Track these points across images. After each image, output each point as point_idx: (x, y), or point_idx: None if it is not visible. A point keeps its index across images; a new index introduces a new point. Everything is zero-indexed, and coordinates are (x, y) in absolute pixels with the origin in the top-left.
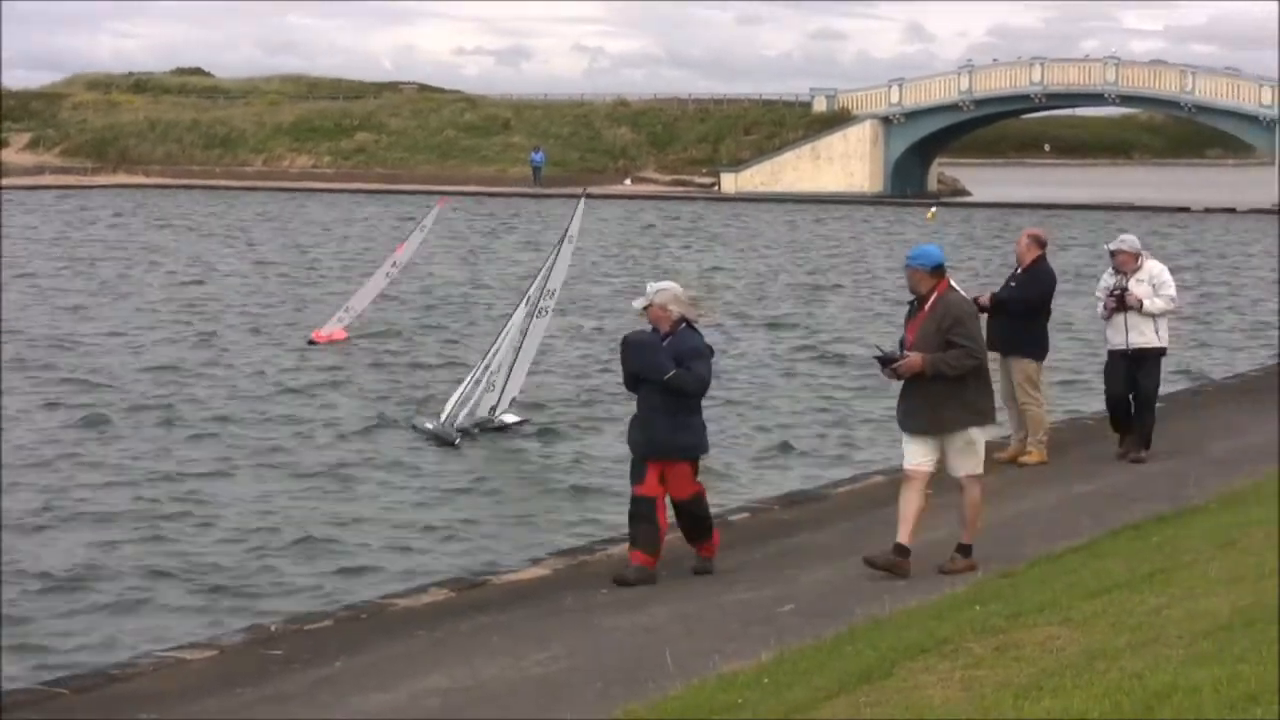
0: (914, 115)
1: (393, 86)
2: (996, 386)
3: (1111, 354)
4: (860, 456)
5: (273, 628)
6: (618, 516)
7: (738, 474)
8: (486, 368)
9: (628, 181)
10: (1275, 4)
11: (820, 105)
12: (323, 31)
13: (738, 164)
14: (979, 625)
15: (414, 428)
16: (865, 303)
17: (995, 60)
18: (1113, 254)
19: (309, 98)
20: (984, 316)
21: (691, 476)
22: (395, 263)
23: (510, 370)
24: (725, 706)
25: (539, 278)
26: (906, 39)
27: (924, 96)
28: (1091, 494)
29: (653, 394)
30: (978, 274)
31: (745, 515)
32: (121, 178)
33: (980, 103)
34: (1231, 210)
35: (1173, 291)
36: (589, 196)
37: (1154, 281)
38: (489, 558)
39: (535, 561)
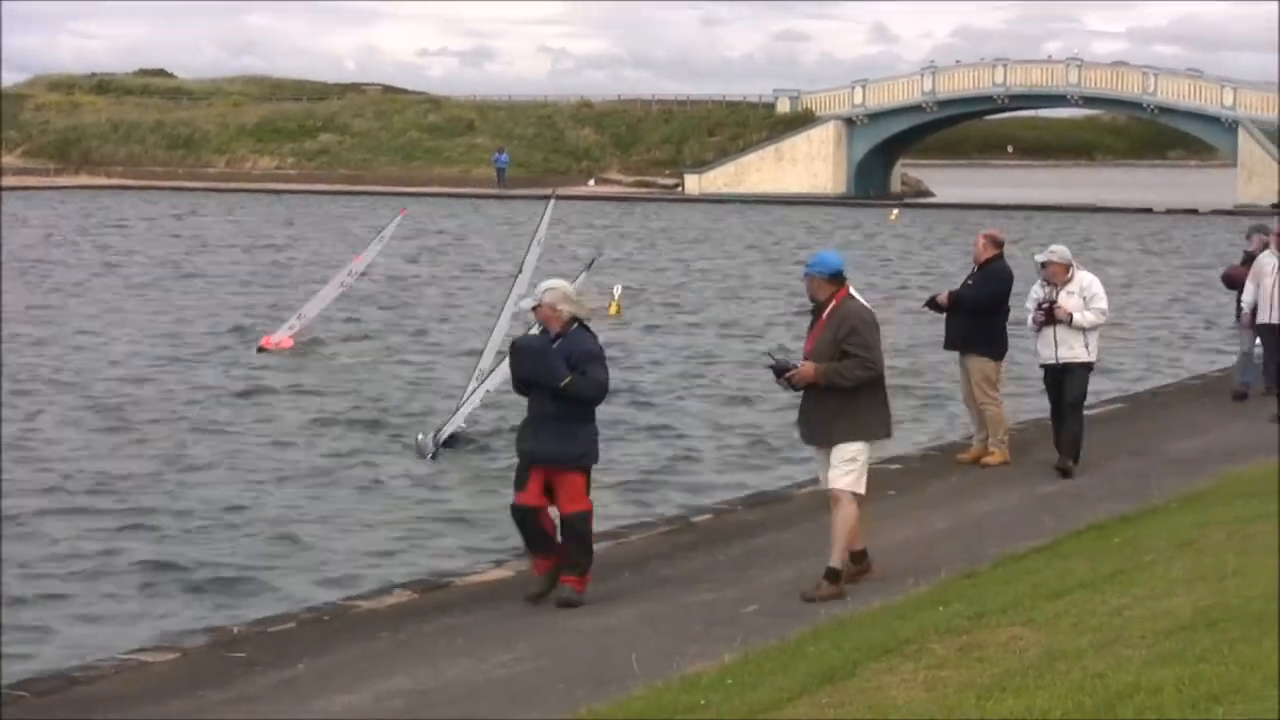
0: (877, 116)
1: (356, 87)
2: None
3: (1044, 368)
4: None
5: (235, 630)
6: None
7: (701, 474)
8: (479, 378)
9: (591, 183)
10: (1241, 5)
11: (784, 106)
12: (286, 32)
13: (701, 165)
14: (942, 626)
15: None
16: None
17: (958, 61)
18: (1043, 265)
19: (272, 99)
20: (943, 316)
21: (583, 490)
22: (351, 271)
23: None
24: (688, 707)
25: (514, 283)
26: (870, 40)
27: (887, 98)
28: (1054, 494)
29: (544, 400)
30: (944, 274)
31: (708, 516)
32: (84, 179)
33: (943, 104)
34: (1194, 211)
35: (1104, 304)
36: (557, 198)
37: (1085, 294)
38: (452, 559)
39: (499, 563)
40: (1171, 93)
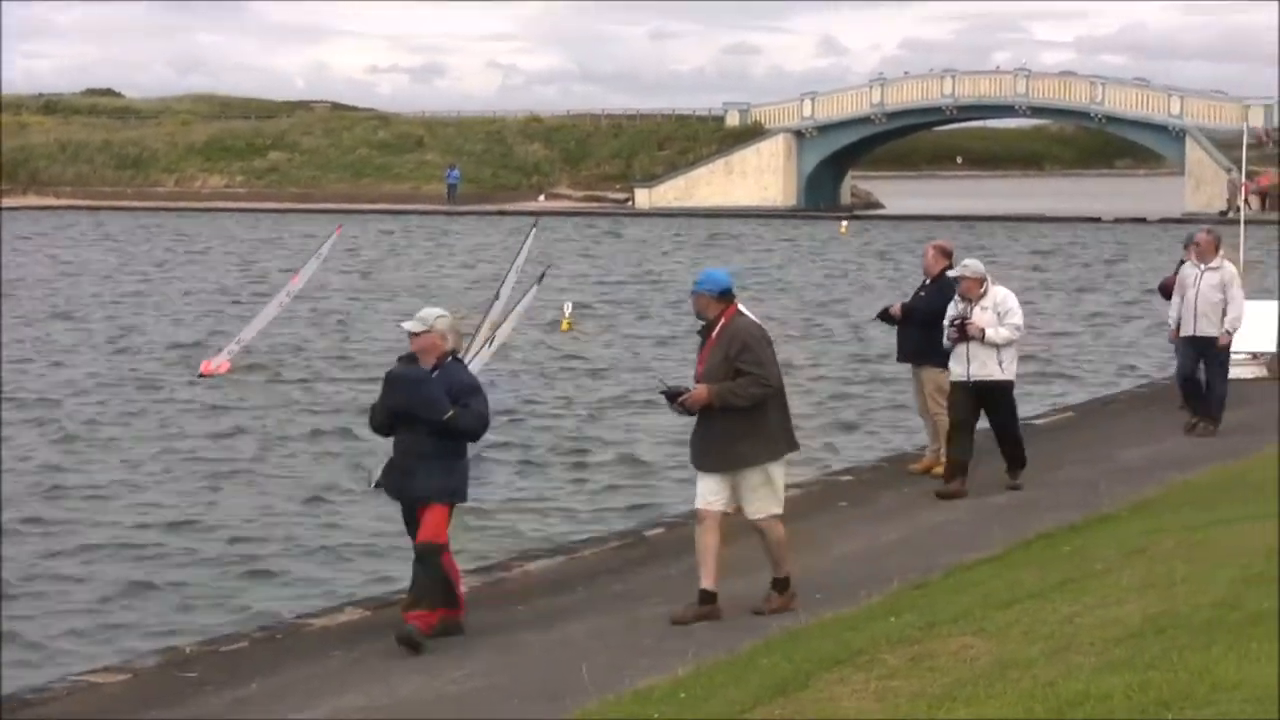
0: (826, 129)
1: (305, 105)
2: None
3: (954, 385)
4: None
5: (188, 650)
6: (536, 533)
7: (654, 488)
8: None
9: (542, 198)
10: (1189, 15)
11: (733, 119)
12: (234, 51)
13: (651, 179)
14: (894, 636)
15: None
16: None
17: (906, 73)
18: (956, 280)
19: (221, 117)
20: (895, 328)
21: (443, 523)
22: (289, 292)
23: None
24: None
25: (492, 310)
26: (820, 53)
27: (836, 110)
28: (1004, 504)
29: (418, 436)
30: (895, 286)
31: (660, 530)
32: (32, 199)
33: (892, 115)
34: (1142, 220)
35: (1018, 320)
36: (503, 214)
37: (999, 309)
38: (404, 577)
39: None
40: (1119, 102)
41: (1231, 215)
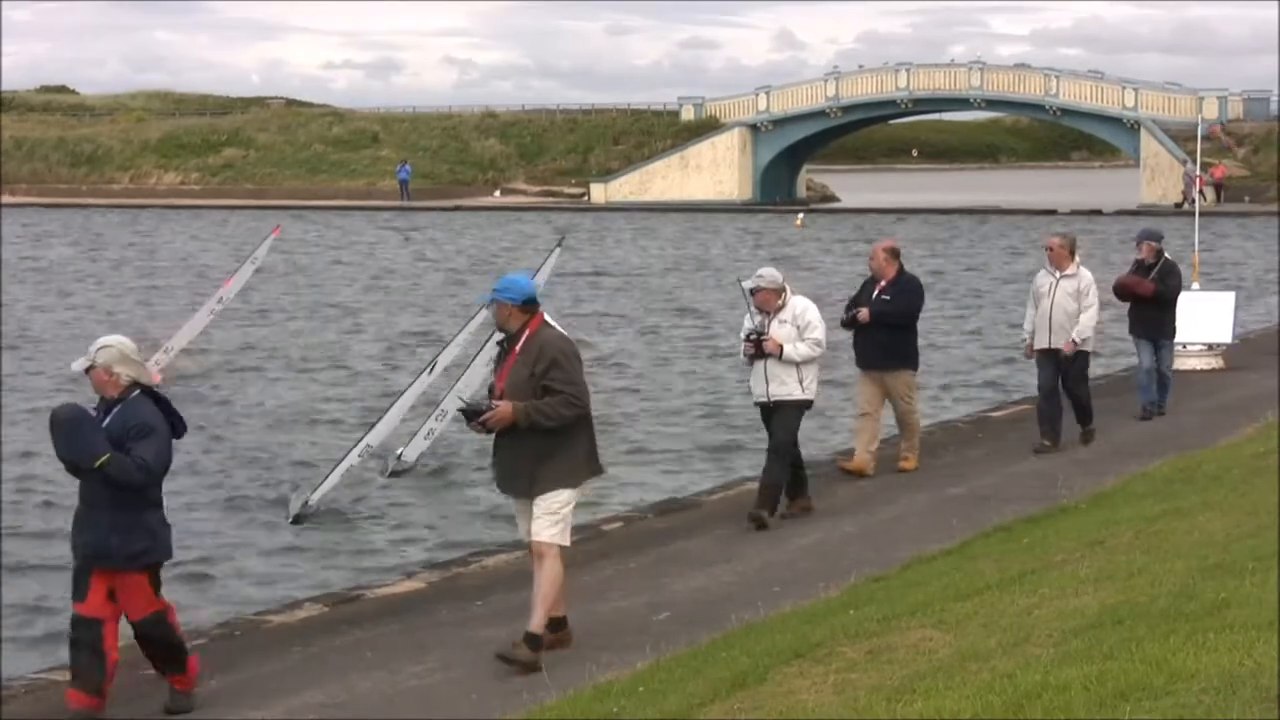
0: (782, 122)
1: (260, 101)
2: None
3: (758, 406)
4: (735, 462)
5: None
6: (494, 531)
7: (611, 483)
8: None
9: (497, 193)
10: (1143, 7)
11: (688, 114)
12: (189, 47)
13: (607, 174)
14: (852, 629)
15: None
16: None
17: (862, 66)
18: (751, 292)
19: (175, 114)
20: (852, 333)
21: (150, 592)
22: (221, 298)
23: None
24: (602, 716)
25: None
26: (776, 47)
27: (791, 103)
28: (962, 496)
29: (94, 484)
30: (848, 281)
31: (619, 524)
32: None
33: (847, 109)
34: (1098, 212)
35: (819, 334)
36: (459, 209)
37: (798, 322)
38: (362, 572)
39: (409, 575)
40: (1073, 94)
41: (1187, 207)
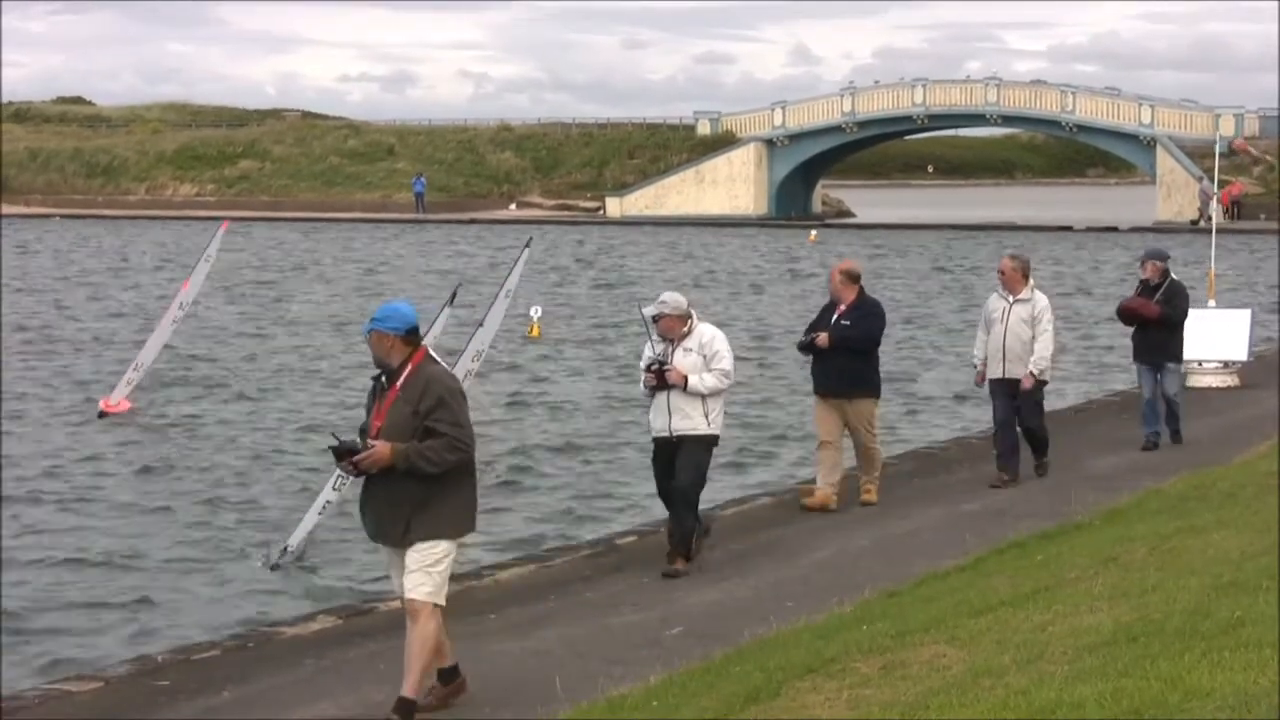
0: (798, 137)
1: (276, 113)
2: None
3: (656, 441)
4: (748, 479)
5: (159, 658)
6: (511, 539)
7: (625, 496)
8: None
9: (513, 206)
10: (1159, 24)
11: (704, 128)
12: (205, 59)
13: (622, 188)
14: (866, 644)
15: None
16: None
17: (877, 82)
18: (654, 319)
19: (191, 125)
20: (811, 358)
21: None
22: (182, 303)
23: None
24: None
25: (473, 338)
26: (792, 61)
27: (807, 118)
28: (976, 512)
29: None
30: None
31: (632, 538)
32: (4, 208)
33: (863, 124)
34: (1114, 229)
35: (727, 364)
36: (474, 222)
37: (705, 351)
38: (375, 584)
39: None
40: (1090, 111)
41: (1203, 224)
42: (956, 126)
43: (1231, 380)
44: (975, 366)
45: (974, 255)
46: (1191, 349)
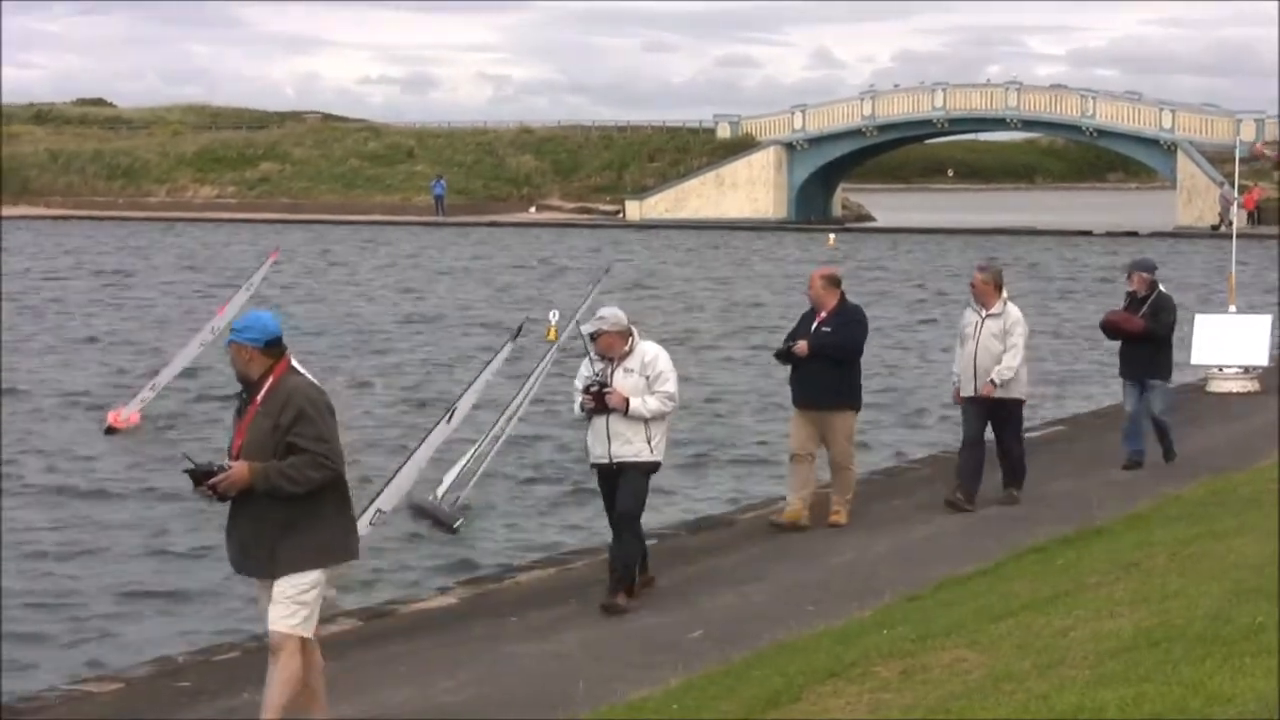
0: (817, 141)
1: (296, 116)
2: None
3: (597, 469)
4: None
5: (180, 659)
6: (528, 544)
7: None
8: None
9: (532, 209)
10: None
11: (724, 131)
12: (223, 60)
13: (642, 191)
14: (886, 649)
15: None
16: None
17: (898, 86)
18: (592, 336)
19: (212, 127)
20: (790, 368)
21: None
22: (214, 329)
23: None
24: None
25: (524, 393)
26: (812, 65)
27: (827, 122)
28: (996, 517)
29: None
30: (898, 300)
31: (653, 541)
32: (23, 209)
33: (883, 128)
34: (1133, 234)
35: (671, 386)
36: (494, 225)
37: (647, 371)
38: (396, 587)
39: (442, 590)
40: (1110, 115)
41: (1224, 229)
42: (977, 130)
43: (1252, 385)
44: (954, 382)
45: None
46: (1212, 354)
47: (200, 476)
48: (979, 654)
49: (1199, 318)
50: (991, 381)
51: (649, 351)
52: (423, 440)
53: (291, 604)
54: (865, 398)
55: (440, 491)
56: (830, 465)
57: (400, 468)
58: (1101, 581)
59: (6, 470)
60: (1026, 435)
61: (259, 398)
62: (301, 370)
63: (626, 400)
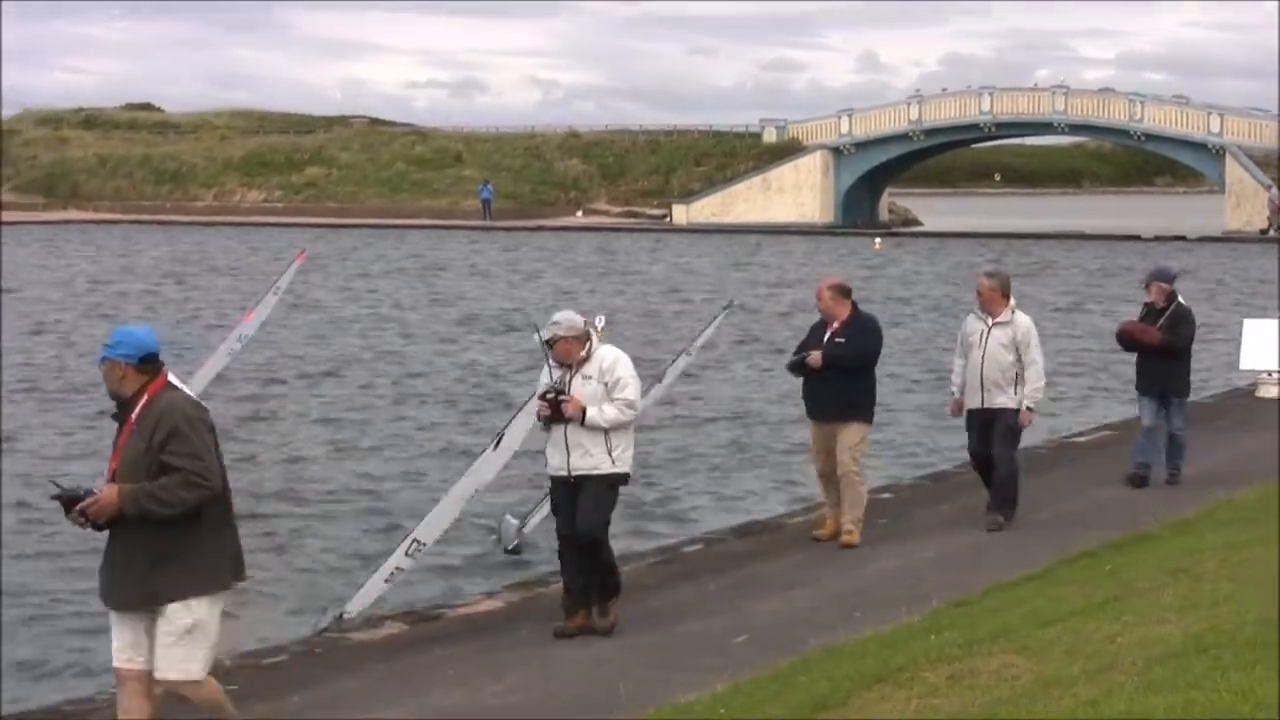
0: (864, 145)
1: (343, 120)
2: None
3: (553, 481)
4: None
5: (228, 663)
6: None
7: (690, 504)
8: None
9: (579, 214)
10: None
11: (770, 136)
12: (272, 65)
13: (689, 195)
14: (934, 654)
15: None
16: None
17: (945, 90)
18: (548, 342)
19: (259, 132)
20: (802, 379)
21: None
22: (241, 336)
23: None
24: None
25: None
26: (859, 69)
27: (874, 126)
28: (1045, 521)
29: None
30: (936, 305)
31: (699, 547)
32: (72, 213)
33: (930, 132)
34: (1181, 238)
35: (632, 393)
36: (541, 229)
37: (606, 378)
38: (445, 590)
39: (490, 594)
40: (1158, 119)
41: (1273, 233)
42: (1024, 135)
43: None
44: (953, 394)
45: (1045, 261)
46: (1259, 360)
47: (69, 502)
48: (1027, 659)
49: (1247, 322)
50: (1028, 409)
51: (607, 357)
52: (468, 469)
53: (176, 644)
54: (916, 402)
55: (532, 523)
56: (839, 479)
57: (444, 501)
58: (1150, 587)
59: (30, 476)
60: (1075, 440)
61: (133, 417)
62: (179, 385)
63: (584, 409)
